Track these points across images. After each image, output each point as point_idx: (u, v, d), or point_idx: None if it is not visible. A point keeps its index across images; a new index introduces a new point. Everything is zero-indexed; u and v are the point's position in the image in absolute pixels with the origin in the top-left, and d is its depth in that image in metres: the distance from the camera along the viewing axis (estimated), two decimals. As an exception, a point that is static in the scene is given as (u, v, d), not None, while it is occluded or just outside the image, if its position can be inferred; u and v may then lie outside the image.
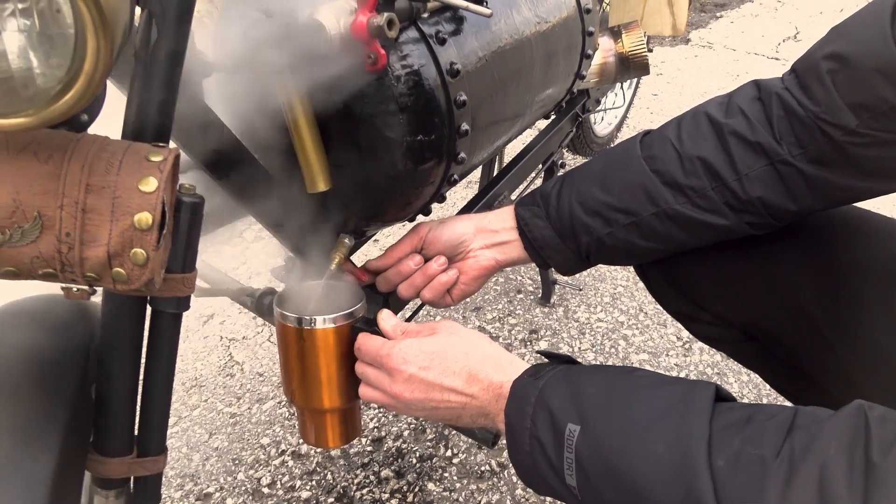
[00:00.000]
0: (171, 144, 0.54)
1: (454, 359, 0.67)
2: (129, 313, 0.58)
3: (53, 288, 0.54)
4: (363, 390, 0.74)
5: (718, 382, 1.39)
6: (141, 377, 0.61)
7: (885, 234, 0.82)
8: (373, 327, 0.75)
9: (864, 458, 0.41)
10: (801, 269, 0.82)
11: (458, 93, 0.74)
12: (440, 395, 0.68)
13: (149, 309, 0.59)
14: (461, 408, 0.68)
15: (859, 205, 0.82)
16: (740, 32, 3.99)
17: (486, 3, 0.80)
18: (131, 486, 0.67)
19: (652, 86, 3.09)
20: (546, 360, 0.68)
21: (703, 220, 0.77)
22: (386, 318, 0.75)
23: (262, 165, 0.75)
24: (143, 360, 0.61)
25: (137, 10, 0.48)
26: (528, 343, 1.55)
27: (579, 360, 0.72)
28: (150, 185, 0.43)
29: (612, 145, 1.72)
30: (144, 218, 0.43)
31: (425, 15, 0.73)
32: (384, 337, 0.73)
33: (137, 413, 0.63)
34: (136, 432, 0.64)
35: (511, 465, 0.64)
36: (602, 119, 2.13)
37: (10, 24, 0.36)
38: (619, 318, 1.62)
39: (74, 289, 0.47)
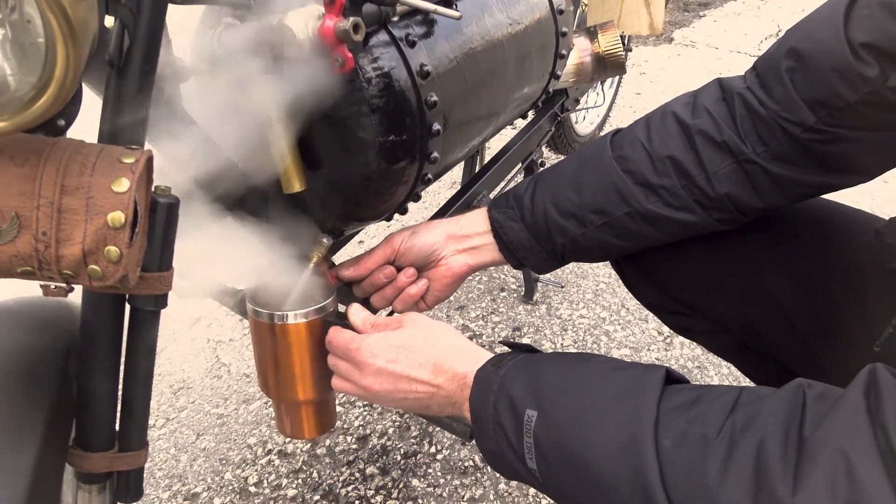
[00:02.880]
0: (148, 146, 0.56)
1: (420, 351, 0.69)
2: (108, 312, 0.60)
3: (35, 290, 0.56)
4: (335, 382, 0.76)
5: (699, 376, 1.43)
6: (121, 374, 0.63)
7: (852, 226, 0.84)
8: (344, 321, 0.77)
9: (798, 433, 0.43)
10: (771, 261, 0.85)
11: (429, 94, 0.76)
12: (408, 386, 0.70)
13: (128, 307, 0.61)
14: (428, 398, 0.70)
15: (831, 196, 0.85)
16: (723, 31, 4.03)
17: (457, 6, 0.82)
18: (114, 481, 0.69)
19: (635, 84, 3.12)
20: (509, 350, 0.70)
21: (675, 218, 0.80)
22: (356, 311, 0.77)
23: (239, 167, 0.77)
24: (123, 358, 0.63)
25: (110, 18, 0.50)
26: (511, 340, 1.58)
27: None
28: (123, 185, 0.45)
29: (592, 144, 1.75)
30: (117, 217, 0.45)
31: (396, 18, 0.75)
32: (354, 330, 0.75)
33: (118, 409, 0.65)
34: (117, 428, 0.66)
35: (486, 459, 0.66)
36: (584, 118, 2.16)
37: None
38: (601, 315, 1.65)
39: (52, 286, 0.49)
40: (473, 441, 0.71)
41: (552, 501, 0.62)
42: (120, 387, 0.64)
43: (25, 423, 0.55)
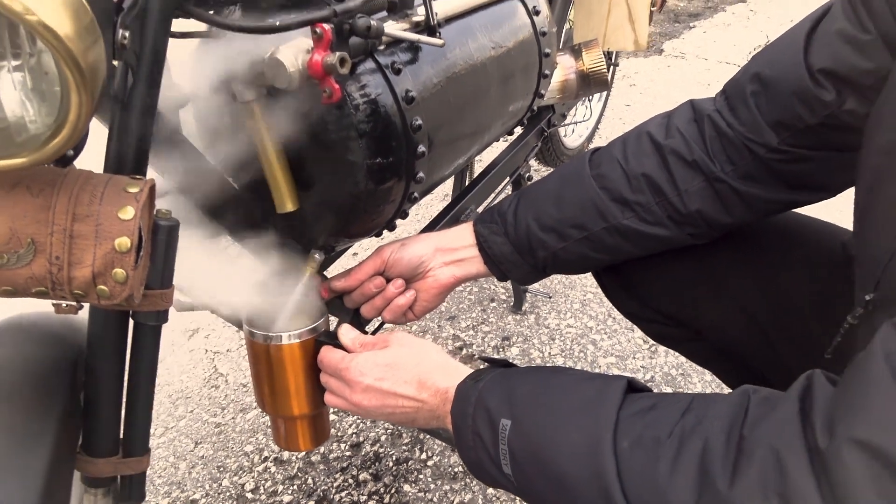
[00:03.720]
0: (150, 172, 0.61)
1: (405, 369, 0.74)
2: (113, 326, 0.64)
3: (44, 305, 0.61)
4: (328, 398, 0.81)
5: (683, 383, 1.47)
6: (125, 384, 0.68)
7: (819, 239, 0.89)
8: (334, 340, 0.82)
9: (739, 433, 0.48)
10: (742, 272, 0.90)
11: (414, 118, 0.81)
12: (395, 401, 0.74)
13: (131, 322, 0.66)
14: (414, 412, 0.74)
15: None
16: (712, 42, 4.09)
17: (440, 33, 0.87)
18: (118, 485, 0.73)
19: (625, 96, 3.18)
20: (487, 365, 0.75)
21: (649, 233, 0.85)
22: (346, 332, 0.81)
23: (235, 188, 0.82)
24: (126, 369, 0.67)
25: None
26: (501, 350, 1.62)
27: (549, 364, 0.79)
28: (128, 213, 0.50)
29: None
30: (124, 242, 0.49)
31: (382, 47, 0.80)
32: (345, 349, 0.79)
33: (122, 417, 0.70)
34: (121, 435, 0.70)
35: (467, 467, 0.70)
36: (573, 131, 2.21)
37: (6, 81, 0.43)
38: (588, 324, 1.69)
39: (63, 304, 0.53)
40: (461, 461, 0.76)
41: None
42: (124, 396, 0.68)
43: (38, 429, 0.59)
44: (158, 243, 0.59)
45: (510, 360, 0.75)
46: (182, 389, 1.57)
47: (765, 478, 0.44)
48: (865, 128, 0.62)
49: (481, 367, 0.75)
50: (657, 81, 3.39)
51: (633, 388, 0.61)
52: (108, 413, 0.67)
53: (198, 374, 1.61)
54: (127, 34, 0.50)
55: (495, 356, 0.91)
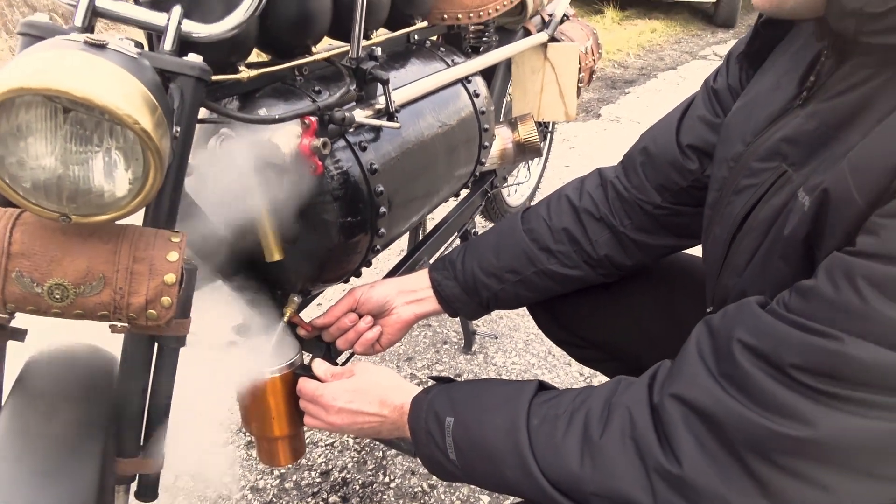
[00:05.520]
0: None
1: (369, 392, 0.92)
2: (142, 348, 0.82)
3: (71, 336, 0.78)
4: (307, 420, 0.98)
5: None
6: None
7: (700, 272, 1.11)
8: (309, 372, 0.99)
9: (609, 403, 0.68)
10: (645, 302, 1.11)
11: (377, 185, 1.02)
12: (363, 418, 0.92)
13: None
14: (379, 425, 0.92)
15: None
16: (645, 106, 4.44)
17: (397, 117, 1.09)
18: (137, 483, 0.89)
19: (565, 158, 3.46)
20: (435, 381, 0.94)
21: (569, 275, 1.06)
22: (318, 365, 0.99)
23: (231, 241, 1.00)
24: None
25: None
26: (454, 385, 1.81)
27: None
28: (174, 256, 0.69)
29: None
30: (170, 277, 0.68)
31: (352, 130, 1.01)
32: (318, 379, 0.97)
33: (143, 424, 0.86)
34: (142, 441, 0.87)
35: (424, 465, 0.87)
36: (515, 192, 2.45)
37: (98, 161, 0.62)
38: (531, 361, 1.89)
39: (118, 325, 0.71)
40: (420, 461, 0.94)
41: None
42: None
43: (88, 435, 0.76)
44: (183, 282, 0.78)
45: (451, 377, 0.94)
46: (162, 429, 1.70)
47: (622, 427, 0.65)
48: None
49: (430, 384, 0.95)
50: (594, 144, 3.69)
51: (544, 387, 0.81)
52: (134, 420, 0.84)
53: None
54: (178, 128, 0.69)
55: (441, 374, 1.10)
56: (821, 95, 0.63)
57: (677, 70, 5.46)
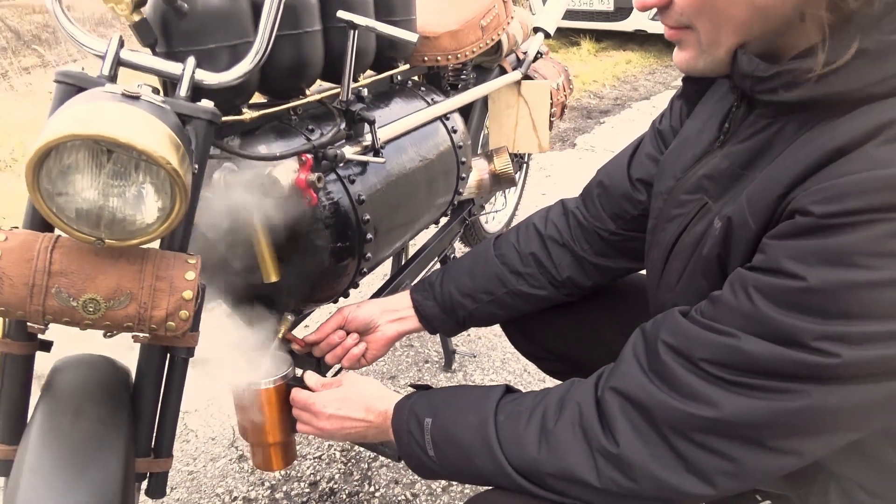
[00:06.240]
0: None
1: (355, 400, 1.02)
2: (157, 359, 0.92)
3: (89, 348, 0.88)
4: (300, 427, 1.08)
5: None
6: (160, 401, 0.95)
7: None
8: (301, 383, 1.10)
9: (563, 400, 0.80)
10: (605, 318, 1.23)
11: (364, 214, 1.14)
12: (351, 423, 1.02)
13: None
14: (365, 430, 1.02)
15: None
16: (619, 136, 4.60)
17: (382, 152, 1.21)
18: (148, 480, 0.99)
19: (541, 186, 3.61)
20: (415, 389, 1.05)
21: (536, 294, 1.18)
22: (309, 376, 1.09)
23: (232, 264, 1.12)
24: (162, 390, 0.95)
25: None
26: (435, 401, 1.91)
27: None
28: (191, 275, 0.80)
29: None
30: (188, 294, 0.79)
31: (342, 164, 1.13)
32: (309, 389, 1.07)
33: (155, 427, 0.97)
34: (153, 442, 0.97)
35: (406, 463, 0.95)
36: (493, 218, 2.58)
37: (130, 193, 0.73)
38: (508, 378, 2.01)
39: (140, 336, 0.82)
40: (402, 463, 1.04)
41: None
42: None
43: (113, 435, 0.86)
44: (199, 298, 0.89)
45: (430, 385, 1.06)
46: (157, 445, 1.79)
47: (573, 417, 0.76)
48: None
49: (410, 392, 1.06)
50: (570, 173, 3.84)
51: (510, 390, 0.92)
52: (148, 422, 0.95)
53: (170, 431, 1.84)
54: (197, 165, 0.81)
55: (420, 383, 1.21)
56: (733, 140, 0.76)
57: (650, 100, 5.66)
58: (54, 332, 0.84)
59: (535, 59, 2.10)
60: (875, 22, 0.59)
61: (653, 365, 0.72)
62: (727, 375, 0.65)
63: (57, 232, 0.79)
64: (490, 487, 0.86)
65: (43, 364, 0.93)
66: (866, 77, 0.60)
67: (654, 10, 0.72)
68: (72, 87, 0.83)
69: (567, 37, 7.30)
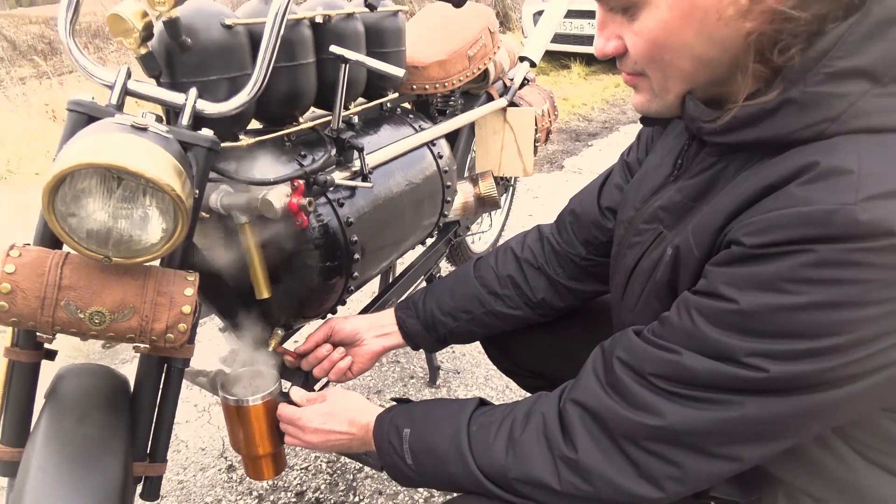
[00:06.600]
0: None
1: (339, 414, 1.08)
2: (154, 369, 0.99)
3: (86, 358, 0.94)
4: (287, 439, 1.14)
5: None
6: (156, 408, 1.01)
7: None
8: (288, 398, 1.16)
9: (530, 411, 0.86)
10: (579, 337, 1.30)
11: (352, 235, 1.21)
12: (335, 436, 1.08)
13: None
14: (349, 441, 1.08)
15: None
16: (606, 158, 4.70)
17: (370, 177, 1.28)
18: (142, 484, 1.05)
19: (528, 207, 3.69)
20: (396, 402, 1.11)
21: (512, 314, 1.25)
22: (295, 392, 1.15)
23: (226, 282, 1.18)
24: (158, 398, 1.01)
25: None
26: (419, 416, 1.97)
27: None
28: (189, 291, 0.87)
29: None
30: (187, 308, 0.86)
31: (332, 188, 1.21)
32: (296, 405, 1.13)
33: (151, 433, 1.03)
34: (149, 447, 1.03)
35: (386, 471, 1.01)
36: (480, 239, 2.66)
37: (136, 215, 0.80)
38: (490, 394, 2.07)
39: (141, 346, 0.89)
40: (385, 474, 1.09)
41: None
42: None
43: (113, 438, 0.92)
44: (197, 312, 0.95)
45: (409, 399, 1.12)
46: (148, 455, 1.84)
47: (537, 427, 0.83)
48: None
49: (391, 404, 1.12)
50: (557, 194, 3.93)
51: (484, 403, 0.99)
52: (145, 428, 1.01)
53: (161, 442, 1.89)
54: (197, 191, 0.88)
55: (400, 396, 1.28)
56: (686, 175, 0.84)
57: (638, 124, 5.76)
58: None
59: (522, 85, 2.18)
60: (801, 75, 0.67)
61: (609, 378, 0.79)
62: (672, 388, 0.72)
63: (66, 249, 0.86)
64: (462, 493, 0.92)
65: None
66: (794, 123, 0.68)
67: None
68: (83, 115, 0.90)
69: (558, 60, 7.43)
